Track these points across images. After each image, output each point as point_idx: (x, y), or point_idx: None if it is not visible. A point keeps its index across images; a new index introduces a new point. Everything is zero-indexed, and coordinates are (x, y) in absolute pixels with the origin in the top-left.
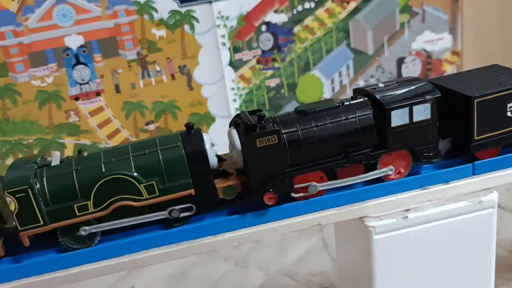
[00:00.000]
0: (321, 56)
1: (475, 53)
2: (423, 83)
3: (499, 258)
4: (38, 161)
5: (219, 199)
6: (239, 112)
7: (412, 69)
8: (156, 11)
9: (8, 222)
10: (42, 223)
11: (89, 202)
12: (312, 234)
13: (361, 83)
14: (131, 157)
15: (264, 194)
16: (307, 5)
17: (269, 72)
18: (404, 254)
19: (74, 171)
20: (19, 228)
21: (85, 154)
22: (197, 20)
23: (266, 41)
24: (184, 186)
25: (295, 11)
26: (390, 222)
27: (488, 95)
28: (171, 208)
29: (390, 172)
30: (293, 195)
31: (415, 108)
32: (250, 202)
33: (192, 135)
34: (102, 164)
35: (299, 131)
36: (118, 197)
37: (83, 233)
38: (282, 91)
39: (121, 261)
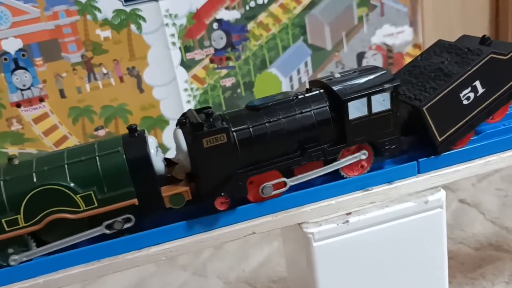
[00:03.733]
0: (278, 53)
1: None
2: (382, 72)
3: (463, 257)
4: None
5: (166, 208)
6: (185, 111)
7: (373, 63)
8: (100, 10)
9: None
10: None
11: (19, 216)
12: (274, 238)
13: None
14: (66, 165)
15: (215, 198)
16: (260, 1)
17: (224, 71)
18: (347, 260)
19: (2, 181)
20: None
21: (16, 162)
22: (144, 19)
23: (219, 39)
24: (126, 196)
25: (247, 7)
26: (330, 227)
27: (436, 97)
28: (107, 222)
29: (363, 157)
30: (263, 195)
31: (373, 98)
32: (197, 209)
33: (135, 139)
34: (34, 173)
35: (251, 128)
36: (52, 209)
37: (12, 263)
38: (239, 90)
39: (36, 282)
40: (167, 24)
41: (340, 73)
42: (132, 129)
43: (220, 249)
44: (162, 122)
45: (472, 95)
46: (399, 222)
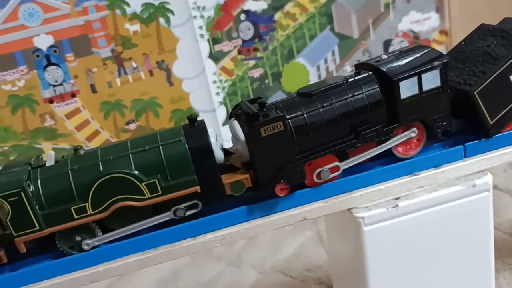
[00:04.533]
0: (305, 43)
1: (464, 32)
2: (427, 50)
3: (499, 242)
4: (32, 162)
5: (227, 196)
6: (237, 103)
7: None
8: (128, 5)
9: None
10: (38, 227)
11: (87, 204)
12: (306, 227)
13: (348, 69)
14: (130, 154)
15: (275, 185)
16: None
17: (252, 63)
18: (396, 244)
19: (70, 171)
20: (14, 234)
21: (82, 152)
22: (172, 12)
23: (246, 30)
24: (189, 183)
25: None
26: (380, 212)
27: (487, 80)
28: (176, 207)
29: (413, 134)
30: (316, 180)
31: (423, 76)
32: (260, 195)
33: (196, 128)
34: (100, 163)
35: (305, 115)
36: (118, 197)
37: (85, 247)
38: (267, 81)
39: (116, 265)
40: (195, 17)
41: (386, 54)
42: (192, 119)
43: (254, 240)
44: (192, 113)
45: None
46: (447, 206)
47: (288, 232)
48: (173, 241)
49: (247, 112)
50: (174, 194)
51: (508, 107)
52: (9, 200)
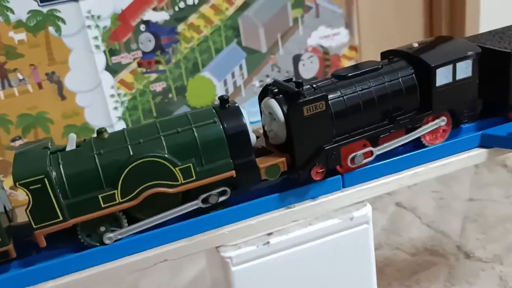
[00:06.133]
0: (211, 56)
1: (373, 47)
2: (459, 41)
3: (400, 263)
4: (49, 146)
5: (262, 180)
6: (268, 82)
7: (310, 66)
8: (12, 12)
9: (14, 219)
10: (61, 218)
11: (116, 191)
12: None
13: (256, 84)
14: (162, 137)
15: (311, 168)
16: (190, 1)
17: (154, 76)
18: (269, 285)
19: (96, 155)
20: (34, 226)
21: (106, 135)
22: (63, 21)
23: (147, 41)
24: (224, 168)
25: (177, 8)
26: (250, 250)
27: None
28: (206, 194)
29: (443, 123)
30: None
31: (458, 65)
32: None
33: (229, 109)
34: (129, 146)
35: (344, 97)
36: (150, 183)
37: (107, 241)
38: (170, 95)
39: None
40: (89, 26)
41: (416, 42)
42: (224, 100)
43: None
44: (87, 130)
45: None
46: (323, 241)
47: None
48: (204, 230)
49: (286, 91)
50: (209, 179)
51: None
52: (30, 188)
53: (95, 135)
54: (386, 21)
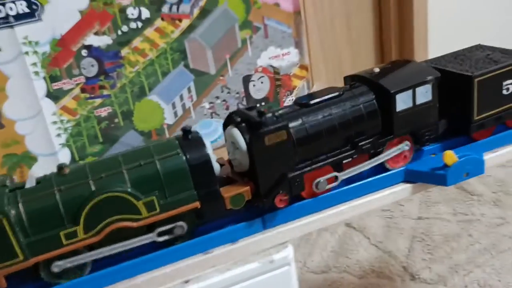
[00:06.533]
0: (158, 80)
1: (324, 66)
2: (418, 65)
3: (346, 286)
4: (7, 184)
5: (227, 210)
6: (232, 111)
7: (261, 86)
8: None
9: None
10: (21, 258)
11: (78, 228)
12: None
13: (206, 105)
14: (124, 171)
15: (275, 196)
16: (133, 25)
17: (98, 101)
18: None
19: (57, 192)
20: None
21: (67, 171)
22: None
23: (90, 66)
24: (189, 199)
25: (119, 32)
26: None
27: (487, 73)
28: (163, 228)
29: (406, 148)
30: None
31: (417, 90)
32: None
33: (192, 140)
34: (91, 182)
35: (306, 125)
36: (113, 218)
37: (55, 269)
38: (116, 120)
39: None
40: (26, 53)
41: (378, 67)
42: (186, 130)
43: None
44: (28, 158)
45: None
46: (242, 286)
47: None
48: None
49: (248, 120)
50: (173, 211)
51: (493, 111)
52: None
53: (39, 169)
54: (336, 40)
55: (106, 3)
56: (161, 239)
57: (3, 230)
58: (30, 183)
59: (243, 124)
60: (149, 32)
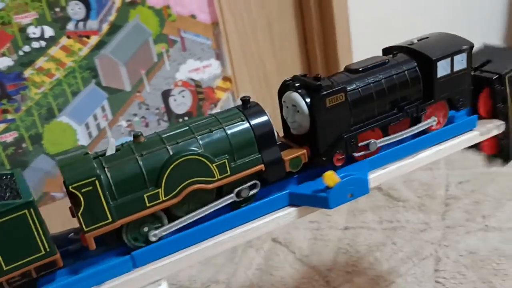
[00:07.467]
0: (67, 100)
1: (248, 77)
2: (454, 36)
3: None
4: (89, 152)
5: (287, 172)
6: (286, 78)
7: (182, 100)
8: None
9: None
10: (110, 219)
11: (160, 190)
12: None
13: (123, 124)
14: (197, 137)
15: (333, 155)
16: (35, 45)
17: (2, 126)
18: None
19: (138, 157)
20: (85, 229)
21: (142, 139)
22: None
23: None
24: (254, 162)
25: (21, 53)
26: None
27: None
28: (239, 188)
29: (434, 123)
30: (355, 155)
31: (455, 58)
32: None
33: (253, 108)
34: (169, 147)
35: (359, 89)
36: (190, 180)
37: (153, 238)
38: (24, 145)
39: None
40: None
41: (416, 38)
42: (245, 100)
43: None
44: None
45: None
46: None
47: None
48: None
49: (307, 85)
50: (241, 174)
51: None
52: (83, 190)
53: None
54: (259, 50)
55: (3, 23)
56: (240, 198)
57: (96, 191)
58: (111, 151)
59: (302, 89)
60: (54, 51)
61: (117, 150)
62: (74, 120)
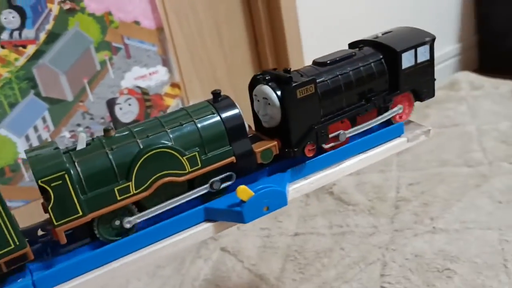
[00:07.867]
0: (5, 112)
1: (198, 82)
2: (416, 30)
3: None
4: (59, 147)
5: (258, 164)
6: (256, 73)
7: (129, 109)
8: None
9: None
10: (81, 213)
11: (130, 183)
12: None
13: (67, 135)
14: (167, 130)
15: (304, 146)
16: None
17: None
18: None
19: (108, 151)
20: (55, 223)
21: (112, 133)
22: None
23: None
24: (225, 155)
25: None
26: None
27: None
28: (212, 180)
29: (400, 111)
30: (324, 146)
31: (418, 50)
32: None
33: (223, 102)
34: (139, 141)
35: (328, 81)
36: (161, 173)
37: (127, 225)
38: None
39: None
40: None
41: (380, 33)
42: (216, 94)
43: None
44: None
45: None
46: None
47: None
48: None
49: (278, 77)
50: (212, 166)
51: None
52: (52, 184)
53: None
54: (208, 54)
55: None
56: (214, 189)
57: (66, 185)
58: (81, 145)
59: (272, 82)
60: None
61: (87, 144)
62: (13, 133)
